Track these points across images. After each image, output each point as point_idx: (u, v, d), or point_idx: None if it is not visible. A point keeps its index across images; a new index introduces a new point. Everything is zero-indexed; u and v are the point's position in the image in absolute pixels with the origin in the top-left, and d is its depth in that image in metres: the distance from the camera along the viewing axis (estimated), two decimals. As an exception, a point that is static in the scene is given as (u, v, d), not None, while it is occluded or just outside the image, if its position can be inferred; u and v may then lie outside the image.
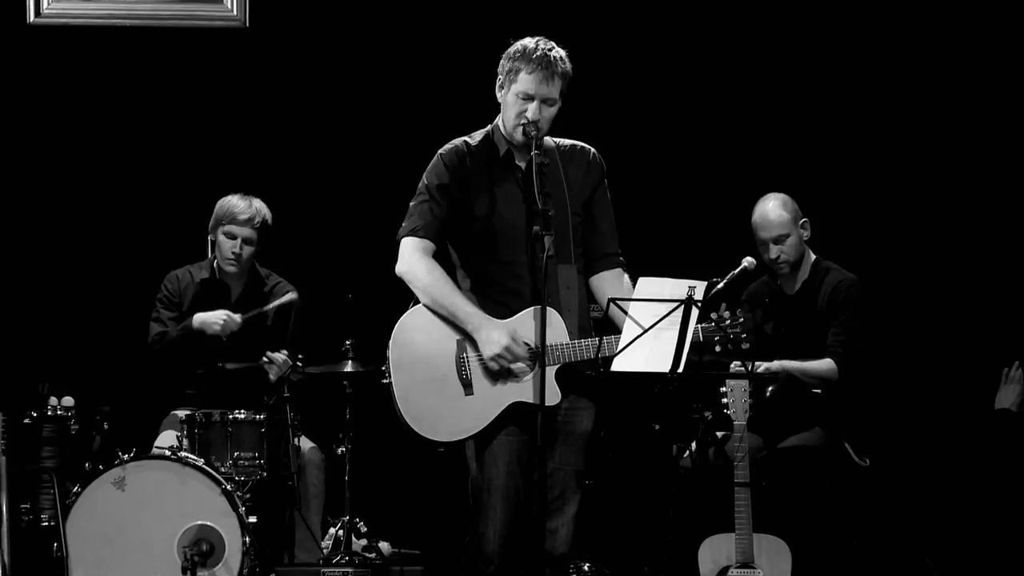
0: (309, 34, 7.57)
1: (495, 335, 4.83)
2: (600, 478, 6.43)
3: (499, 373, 4.85)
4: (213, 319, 6.54)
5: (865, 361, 6.32)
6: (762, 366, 6.18)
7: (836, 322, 6.33)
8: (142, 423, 6.74)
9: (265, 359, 6.49)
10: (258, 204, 6.70)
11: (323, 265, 7.43)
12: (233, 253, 6.66)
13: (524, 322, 4.89)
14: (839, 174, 7.50)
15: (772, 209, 6.42)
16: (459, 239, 5.02)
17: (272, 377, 6.48)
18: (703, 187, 7.54)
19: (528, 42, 4.92)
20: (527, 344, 4.85)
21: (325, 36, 7.58)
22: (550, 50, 4.89)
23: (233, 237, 6.66)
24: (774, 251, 6.42)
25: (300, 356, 6.56)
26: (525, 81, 4.87)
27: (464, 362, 4.87)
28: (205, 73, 7.55)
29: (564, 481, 4.96)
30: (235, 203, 6.68)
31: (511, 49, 4.93)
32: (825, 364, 6.28)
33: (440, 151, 5.03)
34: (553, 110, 4.91)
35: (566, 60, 4.92)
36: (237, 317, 6.54)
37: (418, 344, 4.90)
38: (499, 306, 4.92)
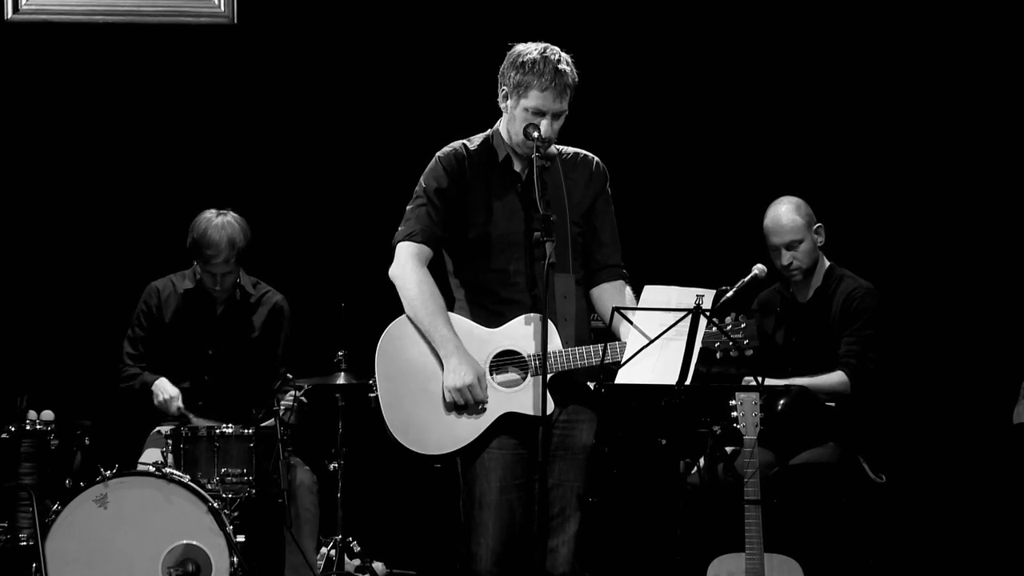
0: (301, 31, 7.56)
1: (462, 369, 4.84)
2: (604, 495, 6.41)
3: (455, 405, 4.86)
4: (159, 391, 6.56)
5: (879, 373, 6.31)
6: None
7: (849, 331, 6.32)
8: (125, 438, 6.74)
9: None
10: (230, 233, 6.58)
11: (314, 272, 7.42)
12: (215, 288, 6.69)
13: (514, 330, 4.91)
14: (854, 177, 7.50)
15: (784, 213, 6.41)
16: (454, 246, 5.02)
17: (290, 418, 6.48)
18: (712, 190, 7.53)
19: (534, 52, 4.88)
20: (520, 356, 4.87)
21: (317, 33, 7.57)
22: (558, 62, 4.86)
23: (212, 275, 6.66)
24: (786, 257, 6.41)
25: (289, 375, 6.56)
26: (537, 98, 4.86)
27: (452, 372, 4.89)
28: (191, 72, 7.54)
29: (564, 497, 4.95)
30: (204, 236, 6.57)
31: (517, 59, 4.89)
32: (836, 377, 6.26)
33: (438, 154, 5.03)
34: (561, 120, 4.93)
35: (573, 67, 4.92)
36: (175, 407, 6.52)
37: (406, 354, 4.92)
38: (493, 316, 4.93)
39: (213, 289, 6.69)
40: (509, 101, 4.93)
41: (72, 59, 7.50)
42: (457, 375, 4.83)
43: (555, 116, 4.88)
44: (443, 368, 4.87)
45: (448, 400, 4.85)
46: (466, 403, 4.84)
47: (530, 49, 4.90)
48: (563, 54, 4.90)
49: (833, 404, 6.27)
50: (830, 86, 7.55)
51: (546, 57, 4.86)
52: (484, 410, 4.86)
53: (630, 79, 7.56)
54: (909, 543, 6.98)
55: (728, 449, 6.08)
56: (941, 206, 7.49)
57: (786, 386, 6.18)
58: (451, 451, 4.90)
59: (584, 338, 4.98)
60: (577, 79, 4.91)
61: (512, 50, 4.94)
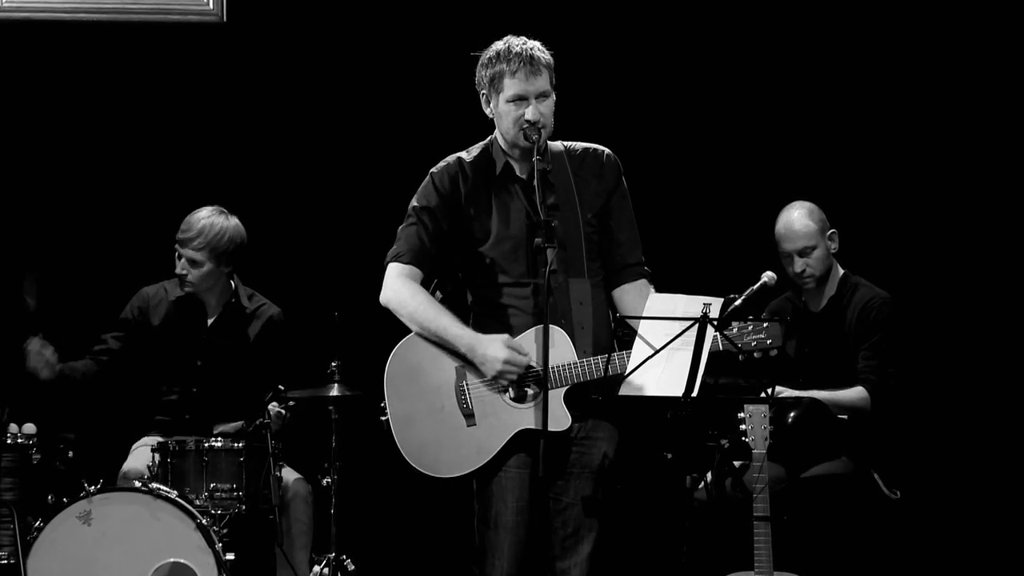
0: (293, 30, 7.54)
1: (491, 351, 4.84)
2: (607, 511, 6.38)
3: (509, 390, 4.86)
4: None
5: (899, 386, 6.29)
6: (785, 393, 6.15)
7: (867, 344, 6.30)
8: (109, 452, 6.72)
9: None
10: (208, 223, 6.59)
11: (307, 280, 7.40)
12: (178, 274, 6.67)
13: (528, 342, 4.91)
14: (869, 182, 7.48)
15: (797, 219, 6.40)
16: (463, 262, 5.05)
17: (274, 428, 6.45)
18: (721, 195, 7.51)
19: (499, 45, 4.97)
20: (535, 370, 4.87)
21: (310, 32, 7.55)
22: (523, 43, 4.94)
23: (179, 257, 6.64)
24: (799, 264, 6.40)
25: (281, 387, 6.54)
26: (512, 84, 4.91)
27: (464, 391, 4.87)
28: (179, 72, 7.51)
29: (579, 517, 4.95)
30: (187, 220, 6.62)
31: (484, 58, 4.99)
32: (856, 393, 6.25)
33: (432, 170, 5.08)
34: (550, 103, 4.94)
35: (544, 49, 4.98)
36: (49, 355, 6.53)
37: (415, 375, 4.92)
38: (507, 329, 4.94)
39: (183, 279, 6.64)
40: (492, 102, 4.97)
41: (56, 59, 7.47)
42: (491, 360, 4.84)
43: (539, 98, 4.90)
44: (468, 373, 4.89)
45: (503, 385, 4.85)
46: (519, 376, 4.84)
47: (493, 45, 4.99)
48: (528, 40, 4.96)
49: (845, 417, 6.26)
50: (844, 88, 7.53)
51: (509, 45, 4.95)
52: (529, 393, 4.87)
53: (640, 82, 7.54)
54: (924, 561, 6.95)
55: (736, 463, 6.06)
56: (959, 212, 7.46)
57: (797, 398, 6.17)
58: (467, 473, 4.89)
59: (605, 344, 4.99)
60: (552, 59, 4.96)
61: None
